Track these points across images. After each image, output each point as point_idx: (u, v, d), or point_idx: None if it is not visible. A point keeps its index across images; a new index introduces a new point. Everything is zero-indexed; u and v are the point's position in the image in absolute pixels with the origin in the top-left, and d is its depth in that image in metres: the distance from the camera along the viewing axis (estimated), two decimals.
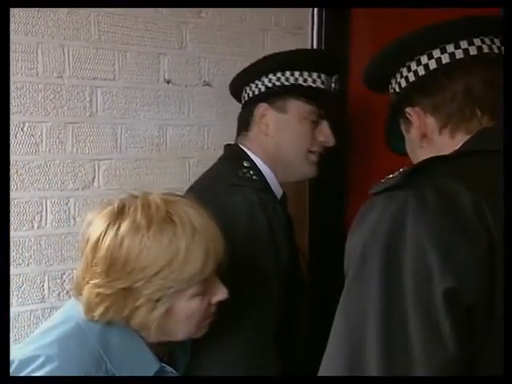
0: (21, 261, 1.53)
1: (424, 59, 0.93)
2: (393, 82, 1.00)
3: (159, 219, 1.03)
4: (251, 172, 1.41)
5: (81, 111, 1.60)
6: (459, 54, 0.90)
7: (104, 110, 1.64)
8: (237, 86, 1.56)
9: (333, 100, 1.49)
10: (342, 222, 1.99)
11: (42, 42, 1.54)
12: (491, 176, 0.76)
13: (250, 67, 1.51)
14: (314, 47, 1.93)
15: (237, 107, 1.74)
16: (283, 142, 1.46)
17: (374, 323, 0.70)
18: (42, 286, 1.57)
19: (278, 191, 1.48)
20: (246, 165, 1.43)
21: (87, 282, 1.03)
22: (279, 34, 1.89)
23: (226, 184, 1.37)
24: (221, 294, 1.10)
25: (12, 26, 1.47)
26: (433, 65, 0.92)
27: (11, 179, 1.50)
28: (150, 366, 1.06)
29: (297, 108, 1.45)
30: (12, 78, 1.48)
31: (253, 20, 1.84)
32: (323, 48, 1.93)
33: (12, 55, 1.48)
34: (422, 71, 0.93)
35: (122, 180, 1.67)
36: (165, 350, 1.16)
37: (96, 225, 1.05)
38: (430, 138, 0.94)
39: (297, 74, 1.45)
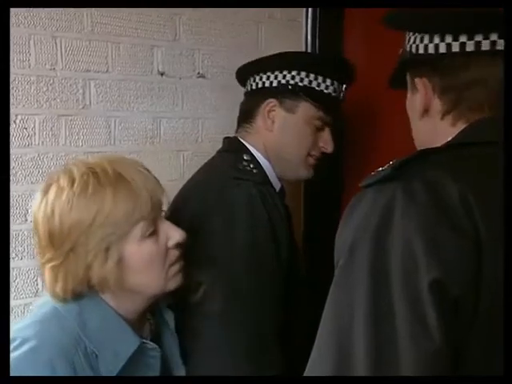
0: (14, 255, 1.53)
1: (448, 38, 0.88)
2: (412, 38, 0.94)
3: (80, 175, 1.05)
4: (251, 165, 1.41)
5: (74, 103, 1.59)
6: (486, 46, 0.85)
7: (97, 103, 1.63)
8: (247, 72, 1.54)
9: (339, 108, 1.51)
10: (338, 216, 1.99)
11: (34, 34, 1.52)
12: (481, 168, 0.76)
13: (266, 58, 1.51)
14: (309, 39, 1.93)
15: (231, 99, 1.74)
16: (286, 142, 1.46)
17: (362, 315, 0.70)
18: (36, 279, 1.56)
19: (277, 184, 1.49)
20: (245, 158, 1.43)
21: (43, 264, 1.05)
22: (274, 26, 1.88)
23: (225, 177, 1.37)
24: (176, 235, 1.11)
25: None
26: (456, 47, 0.87)
27: None
28: (130, 342, 1.07)
29: (306, 110, 1.46)
30: None
31: (247, 11, 1.83)
32: (317, 40, 1.92)
33: None
34: (442, 49, 0.88)
35: None
36: (148, 329, 1.17)
37: (33, 206, 1.09)
38: (432, 117, 0.91)
39: (312, 76, 1.45)
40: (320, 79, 1.45)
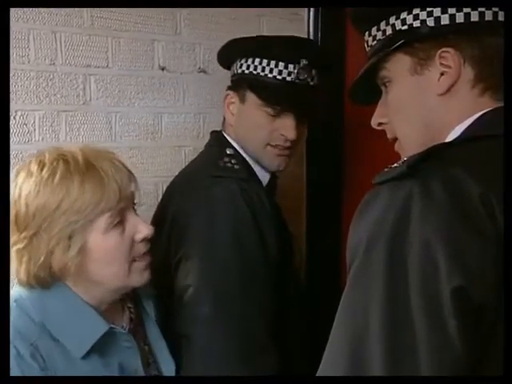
0: None
1: (482, 9, 0.84)
2: (425, 12, 0.88)
3: (51, 161, 1.05)
4: (233, 161, 1.38)
5: (74, 99, 1.57)
6: None
7: (97, 98, 1.61)
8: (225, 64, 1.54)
9: (293, 91, 1.38)
10: (340, 213, 1.98)
11: (33, 29, 1.50)
12: (499, 163, 0.72)
13: (222, 49, 1.49)
14: (311, 33, 1.91)
15: None
16: (243, 133, 1.42)
17: (378, 321, 0.67)
18: None
19: (264, 177, 1.45)
20: (228, 152, 1.40)
21: (11, 247, 1.05)
22: (275, 20, 1.86)
23: (206, 176, 1.35)
24: (144, 230, 1.10)
25: None
26: (489, 16, 0.84)
27: None
28: (96, 328, 1.06)
29: (252, 99, 1.40)
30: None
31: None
32: (319, 33, 1.91)
33: None
34: (475, 17, 0.85)
35: None
36: (127, 317, 1.16)
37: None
38: (458, 89, 0.86)
39: (257, 61, 1.38)
40: (265, 63, 1.37)
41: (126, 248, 1.08)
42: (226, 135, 1.46)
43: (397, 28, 0.91)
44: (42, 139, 1.54)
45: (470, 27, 0.86)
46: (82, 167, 1.04)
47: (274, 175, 1.48)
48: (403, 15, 0.90)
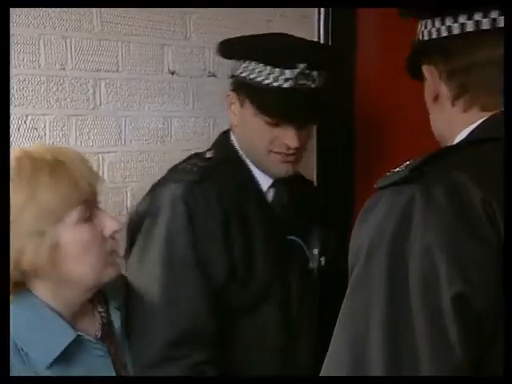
0: None
1: (448, 21, 0.82)
2: (422, 24, 0.88)
3: (15, 159, 1.03)
4: (195, 162, 1.35)
5: (84, 103, 1.58)
6: (486, 25, 0.79)
7: (108, 103, 1.62)
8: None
9: (291, 99, 1.27)
10: (351, 217, 1.97)
11: (43, 34, 1.51)
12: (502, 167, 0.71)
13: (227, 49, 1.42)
14: (321, 37, 1.90)
15: None
16: (246, 137, 1.37)
17: (379, 327, 0.66)
18: None
19: (265, 181, 1.39)
20: (207, 156, 1.37)
21: None
22: (285, 24, 1.85)
23: (162, 178, 1.36)
24: (112, 224, 1.10)
25: (13, 18, 1.45)
26: (456, 29, 0.82)
27: None
28: (62, 336, 1.03)
29: (249, 105, 1.32)
30: (14, 71, 1.46)
31: (258, 10, 1.81)
32: (330, 37, 1.90)
33: (14, 47, 1.46)
34: (444, 32, 0.84)
35: (126, 173, 1.65)
36: (98, 325, 1.13)
37: None
38: (442, 104, 0.87)
39: (252, 64, 1.29)
40: (259, 67, 1.27)
41: (98, 243, 1.08)
42: (231, 135, 1.42)
43: (421, 27, 0.91)
44: (53, 143, 1.54)
45: (442, 42, 0.85)
46: (49, 162, 1.03)
47: (279, 180, 1.40)
48: (422, 26, 0.89)
